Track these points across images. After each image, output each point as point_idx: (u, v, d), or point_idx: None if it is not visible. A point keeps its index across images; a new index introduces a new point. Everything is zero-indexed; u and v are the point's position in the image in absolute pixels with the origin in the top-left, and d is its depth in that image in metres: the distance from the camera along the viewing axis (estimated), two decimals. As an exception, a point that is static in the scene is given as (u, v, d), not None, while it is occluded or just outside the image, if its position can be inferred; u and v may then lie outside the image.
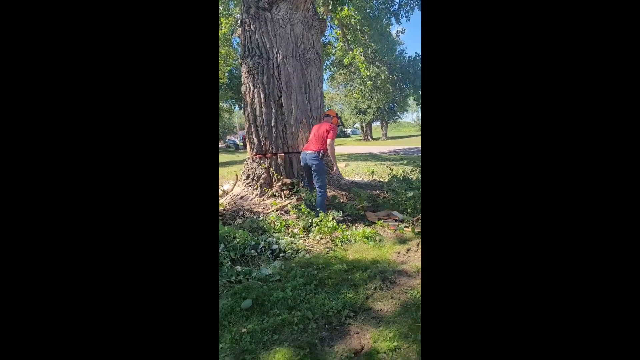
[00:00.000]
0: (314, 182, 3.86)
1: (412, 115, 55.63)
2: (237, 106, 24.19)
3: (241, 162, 14.02)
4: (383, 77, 7.64)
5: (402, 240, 3.24)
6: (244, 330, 1.93)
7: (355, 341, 1.81)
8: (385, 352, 1.67)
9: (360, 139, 35.47)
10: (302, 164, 3.99)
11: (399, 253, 2.94)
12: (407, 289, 2.30)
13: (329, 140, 3.80)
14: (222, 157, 17.96)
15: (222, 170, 10.64)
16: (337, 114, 4.41)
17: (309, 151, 3.84)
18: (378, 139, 34.02)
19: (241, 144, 29.81)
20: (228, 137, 40.73)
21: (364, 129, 34.47)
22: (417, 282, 2.40)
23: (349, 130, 48.14)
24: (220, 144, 37.72)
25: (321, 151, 3.81)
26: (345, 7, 5.57)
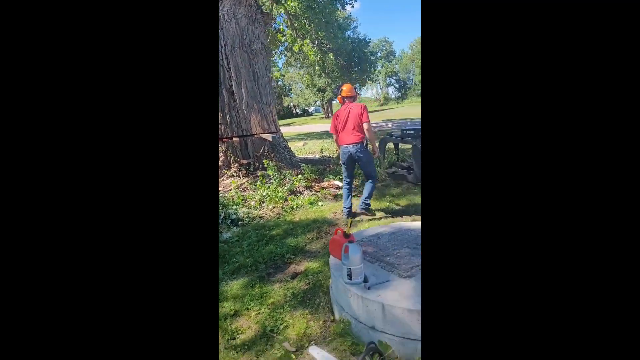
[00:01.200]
0: (365, 174, 3.45)
1: (372, 91, 56.35)
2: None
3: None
4: (330, 61, 8.21)
5: (339, 202, 3.97)
6: (210, 274, 2.57)
7: (292, 270, 2.51)
8: (312, 274, 2.38)
9: (322, 117, 35.98)
10: (343, 160, 3.42)
11: (335, 213, 3.67)
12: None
13: (365, 125, 3.24)
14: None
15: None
16: (354, 88, 3.65)
17: (351, 144, 3.28)
18: (339, 116, 34.67)
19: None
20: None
21: (325, 107, 34.95)
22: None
23: (311, 109, 48.44)
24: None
25: (364, 139, 3.30)
26: (289, -1, 5.94)
